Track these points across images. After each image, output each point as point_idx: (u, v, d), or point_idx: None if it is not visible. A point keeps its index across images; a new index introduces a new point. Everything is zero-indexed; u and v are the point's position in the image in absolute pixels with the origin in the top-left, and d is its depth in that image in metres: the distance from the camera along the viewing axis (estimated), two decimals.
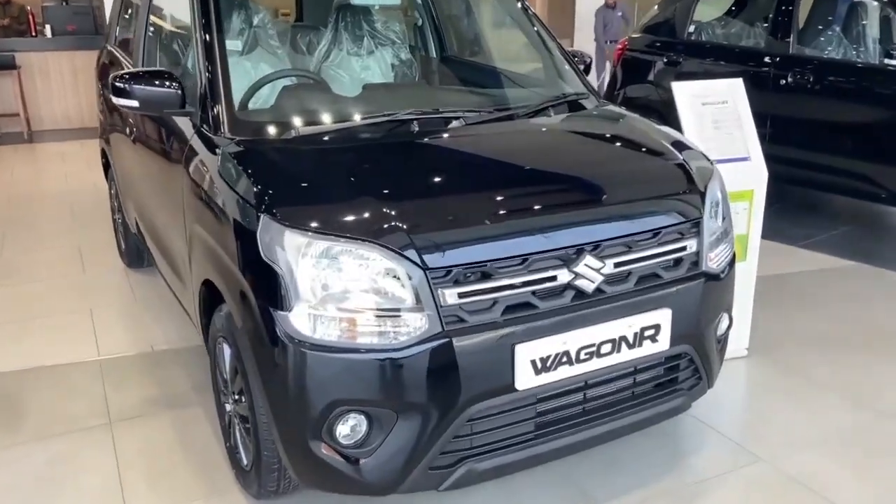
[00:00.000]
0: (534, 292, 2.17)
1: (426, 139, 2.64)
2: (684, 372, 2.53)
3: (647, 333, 2.32)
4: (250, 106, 2.84)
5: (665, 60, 5.85)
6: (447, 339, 2.04)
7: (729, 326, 2.73)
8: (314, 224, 2.06)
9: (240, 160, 2.39)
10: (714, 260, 2.53)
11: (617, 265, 2.28)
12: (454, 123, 2.67)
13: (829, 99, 5.11)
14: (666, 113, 5.53)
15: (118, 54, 4.27)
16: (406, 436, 2.09)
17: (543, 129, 2.86)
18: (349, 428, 2.08)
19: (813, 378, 3.33)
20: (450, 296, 2.05)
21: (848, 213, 5.87)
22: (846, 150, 5.07)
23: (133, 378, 3.33)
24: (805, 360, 3.49)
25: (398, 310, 2.03)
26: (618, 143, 2.85)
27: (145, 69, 2.88)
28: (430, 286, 2.03)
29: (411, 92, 3.24)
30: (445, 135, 2.66)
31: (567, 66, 3.26)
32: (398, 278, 2.03)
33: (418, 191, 2.27)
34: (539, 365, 2.15)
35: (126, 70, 2.91)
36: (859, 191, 5.17)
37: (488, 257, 2.11)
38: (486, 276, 2.10)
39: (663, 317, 2.34)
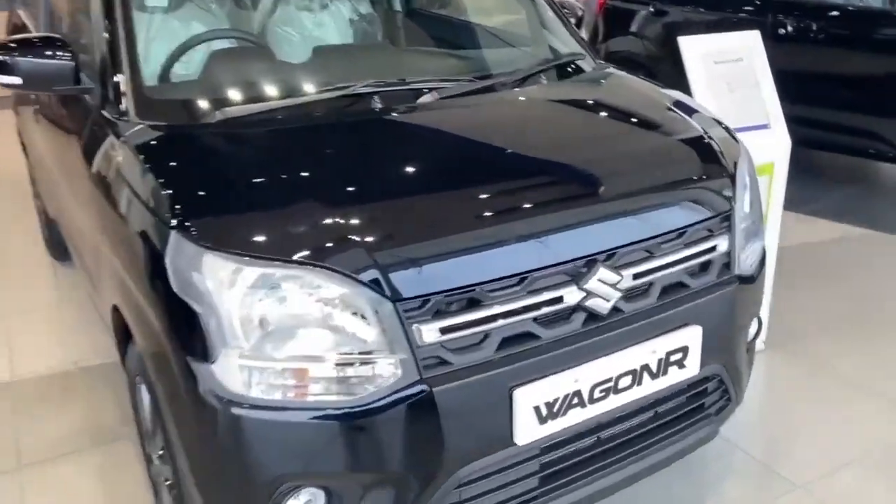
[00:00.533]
0: (535, 319, 1.69)
1: (390, 120, 2.09)
2: (712, 395, 2.08)
3: (673, 358, 1.86)
4: (173, 79, 2.29)
5: (651, 10, 5.32)
6: (426, 389, 1.56)
7: (759, 331, 2.28)
8: (244, 243, 1.55)
9: (147, 154, 1.84)
10: (747, 259, 2.07)
11: (636, 276, 1.81)
12: (425, 98, 2.13)
13: (834, 49, 4.64)
14: (654, 68, 5.06)
15: (26, 17, 3.63)
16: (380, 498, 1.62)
17: (537, 104, 2.32)
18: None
19: (842, 375, 2.92)
20: (428, 332, 1.56)
21: (849, 174, 5.45)
22: (852, 106, 4.63)
23: (52, 405, 2.80)
24: (830, 351, 3.08)
25: (360, 354, 1.54)
26: (628, 119, 2.32)
27: (28, 35, 2.28)
28: (401, 321, 1.54)
29: (372, 56, 2.66)
30: (415, 113, 2.11)
31: (556, 20, 2.73)
32: (359, 313, 1.54)
33: (383, 192, 1.74)
34: (544, 412, 1.68)
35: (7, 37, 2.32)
36: (865, 149, 4.75)
37: (477, 279, 1.61)
38: (474, 304, 1.61)
39: (692, 336, 1.88)
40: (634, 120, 2.29)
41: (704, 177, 2.03)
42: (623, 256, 1.79)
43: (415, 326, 1.55)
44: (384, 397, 1.54)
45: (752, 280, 2.08)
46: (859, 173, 5.46)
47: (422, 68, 2.47)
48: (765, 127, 2.80)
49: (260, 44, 2.59)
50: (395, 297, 1.53)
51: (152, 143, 1.89)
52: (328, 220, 1.59)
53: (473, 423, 1.63)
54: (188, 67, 2.37)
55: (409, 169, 1.87)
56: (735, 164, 2.11)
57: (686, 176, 2.02)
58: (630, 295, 1.81)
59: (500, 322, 1.64)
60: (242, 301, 1.51)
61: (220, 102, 2.02)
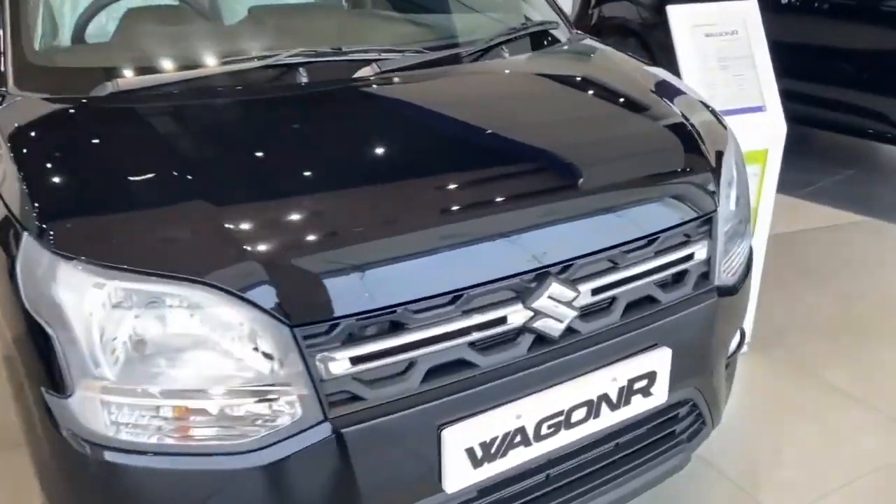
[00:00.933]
0: (472, 344, 1.41)
1: (312, 100, 1.77)
2: (684, 422, 1.82)
3: (637, 386, 1.60)
4: (79, 42, 1.98)
5: None
6: (332, 431, 1.29)
7: (741, 342, 2.02)
8: (111, 252, 1.26)
9: (12, 135, 1.53)
10: (730, 266, 1.80)
11: (596, 291, 1.53)
12: (363, 71, 1.82)
13: (838, 21, 4.33)
14: (647, 37, 4.73)
15: None
16: None
17: (491, 82, 1.99)
18: None
19: (832, 385, 2.67)
20: (335, 364, 1.28)
21: (849, 155, 5.16)
22: (854, 82, 4.34)
23: None
24: (820, 357, 2.82)
25: (252, 389, 1.27)
26: (595, 102, 2.01)
27: None
28: (301, 350, 1.26)
29: (314, 20, 2.30)
30: (344, 92, 1.79)
31: None
32: (249, 340, 1.26)
33: (287, 191, 1.43)
34: (479, 454, 1.41)
35: None
36: (865, 129, 4.47)
37: (399, 298, 1.33)
38: (395, 328, 1.34)
39: (661, 360, 1.61)
40: (602, 104, 1.98)
41: (682, 172, 1.74)
42: (581, 268, 1.51)
43: (319, 356, 1.27)
44: (280, 441, 1.28)
45: (734, 290, 1.81)
46: (857, 154, 5.17)
47: (367, 35, 2.14)
48: (759, 109, 2.51)
49: (190, 2, 2.26)
50: (294, 322, 1.25)
51: (22, 120, 1.58)
52: (216, 225, 1.30)
53: (393, 470, 1.37)
54: (100, 29, 2.06)
55: (323, 162, 1.54)
56: (720, 155, 1.83)
57: (659, 171, 1.72)
58: (588, 313, 1.54)
59: (428, 349, 1.36)
60: (105, 322, 1.23)
61: (112, 72, 1.69)
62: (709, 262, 1.72)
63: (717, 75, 2.48)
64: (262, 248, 1.28)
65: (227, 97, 1.71)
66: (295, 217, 1.38)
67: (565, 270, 1.48)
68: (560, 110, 1.88)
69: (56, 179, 1.41)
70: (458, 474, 1.40)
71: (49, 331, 1.24)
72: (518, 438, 1.46)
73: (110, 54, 1.86)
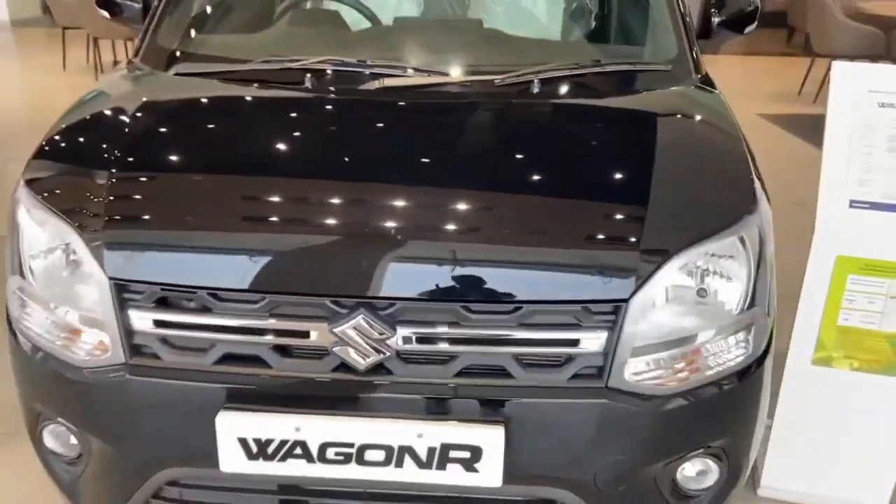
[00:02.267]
0: (276, 347, 1.50)
1: (303, 100, 1.98)
2: None
3: (454, 455, 1.48)
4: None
5: None
6: (124, 375, 1.53)
7: (721, 481, 1.66)
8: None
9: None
10: (656, 370, 1.50)
11: (422, 339, 1.47)
12: (371, 84, 1.93)
13: None
14: None
15: None
16: (102, 471, 1.66)
17: (467, 117, 1.94)
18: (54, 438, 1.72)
19: None
20: (141, 319, 1.51)
21: None
22: None
23: None
24: None
25: (83, 319, 1.57)
26: (554, 154, 1.77)
27: None
28: (114, 299, 1.52)
29: (426, 35, 2.40)
30: (332, 97, 1.95)
31: (668, 18, 2.17)
32: (89, 279, 1.55)
33: (167, 166, 1.70)
34: (255, 448, 1.50)
35: None
36: None
37: (204, 283, 1.49)
38: (202, 309, 1.51)
39: (487, 438, 1.46)
40: (560, 164, 1.74)
41: (590, 245, 1.51)
42: (405, 311, 1.46)
43: (130, 309, 1.51)
44: (93, 368, 1.56)
45: (653, 400, 1.51)
46: None
47: (467, 56, 2.19)
48: None
49: (358, 7, 2.56)
50: (113, 277, 1.51)
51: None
52: (102, 185, 1.62)
53: (177, 429, 1.55)
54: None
55: (222, 154, 1.74)
56: (680, 247, 1.51)
57: (557, 235, 1.52)
58: (411, 359, 1.48)
59: (227, 336, 1.50)
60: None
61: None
62: (605, 357, 1.48)
63: (882, 157, 1.91)
64: (112, 214, 1.56)
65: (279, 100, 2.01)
66: (152, 194, 1.64)
67: (385, 308, 1.46)
68: (514, 150, 1.75)
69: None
70: (231, 458, 1.51)
71: None
72: (299, 451, 1.50)
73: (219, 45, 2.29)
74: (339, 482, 1.54)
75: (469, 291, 1.46)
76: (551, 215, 1.59)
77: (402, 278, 1.48)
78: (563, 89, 1.99)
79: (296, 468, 1.52)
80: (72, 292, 1.57)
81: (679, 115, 1.93)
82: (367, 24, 2.53)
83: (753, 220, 1.60)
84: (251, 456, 1.51)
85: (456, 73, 2.00)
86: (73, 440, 1.68)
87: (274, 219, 1.61)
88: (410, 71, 1.96)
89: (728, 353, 1.57)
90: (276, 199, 1.64)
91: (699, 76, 2.10)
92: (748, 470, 1.77)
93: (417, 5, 2.78)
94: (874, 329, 1.99)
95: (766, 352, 1.63)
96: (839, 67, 1.98)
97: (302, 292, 1.47)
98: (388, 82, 1.93)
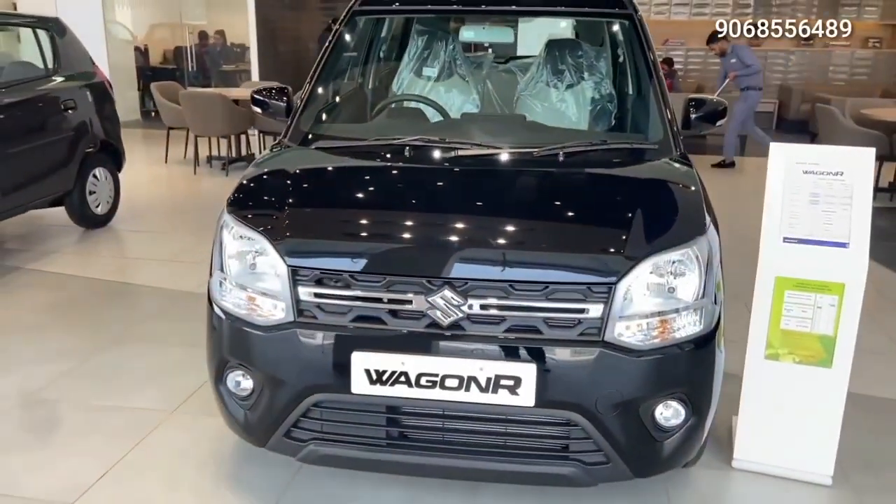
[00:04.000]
0: (390, 311, 2.35)
1: (395, 166, 2.91)
2: (577, 442, 2.37)
3: (503, 383, 2.29)
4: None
5: None
6: (293, 329, 2.38)
7: (687, 422, 2.42)
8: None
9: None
10: (636, 332, 2.31)
11: (484, 307, 2.31)
12: (446, 153, 2.88)
13: None
14: None
15: None
16: (267, 400, 2.49)
17: (515, 173, 2.87)
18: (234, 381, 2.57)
19: None
20: (306, 292, 2.39)
21: None
22: None
23: None
24: None
25: (265, 294, 2.44)
26: (571, 195, 2.71)
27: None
28: (290, 279, 2.39)
29: (481, 124, 3.41)
30: (424, 165, 2.88)
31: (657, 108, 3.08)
32: (273, 270, 2.44)
33: (320, 201, 2.69)
34: (374, 376, 2.33)
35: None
36: None
37: (350, 268, 2.37)
38: (344, 285, 2.37)
39: (525, 371, 2.27)
40: (574, 196, 2.67)
41: (593, 250, 2.37)
42: (474, 288, 2.30)
43: (300, 287, 2.39)
44: (272, 326, 2.42)
45: (639, 353, 2.30)
46: None
47: (513, 138, 3.12)
48: (842, 245, 2.68)
49: (435, 107, 3.55)
50: (291, 264, 2.40)
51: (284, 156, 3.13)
52: (282, 211, 2.54)
53: (323, 365, 2.38)
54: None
55: (354, 193, 2.73)
56: (646, 252, 2.33)
57: (567, 243, 2.40)
58: (476, 320, 2.31)
59: (358, 303, 2.36)
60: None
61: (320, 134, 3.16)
62: (602, 320, 2.29)
63: (804, 208, 2.72)
64: (292, 225, 2.47)
65: (361, 157, 2.97)
66: (316, 218, 2.57)
67: (461, 285, 2.31)
68: (529, 195, 2.72)
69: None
70: (359, 383, 2.34)
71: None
72: (402, 379, 2.32)
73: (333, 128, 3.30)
74: (428, 402, 2.35)
75: (514, 276, 2.31)
76: (568, 233, 2.47)
77: (472, 267, 2.34)
78: (581, 159, 2.89)
79: (400, 391, 2.33)
80: (259, 278, 2.45)
81: (656, 177, 2.81)
82: (439, 118, 3.51)
83: (703, 241, 2.43)
84: (372, 382, 2.34)
85: (505, 146, 2.93)
86: (249, 381, 2.53)
87: (388, 232, 2.52)
88: (474, 146, 2.90)
89: (686, 327, 2.37)
90: (390, 220, 2.56)
91: (678, 153, 2.97)
92: (709, 421, 2.52)
93: (476, 106, 3.76)
94: (807, 331, 2.76)
95: (714, 329, 2.42)
96: (774, 147, 2.83)
97: (408, 274, 2.34)
98: (461, 153, 2.86)
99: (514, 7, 3.73)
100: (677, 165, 2.88)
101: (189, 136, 9.04)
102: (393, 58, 4.18)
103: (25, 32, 6.40)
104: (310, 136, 3.15)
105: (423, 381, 2.32)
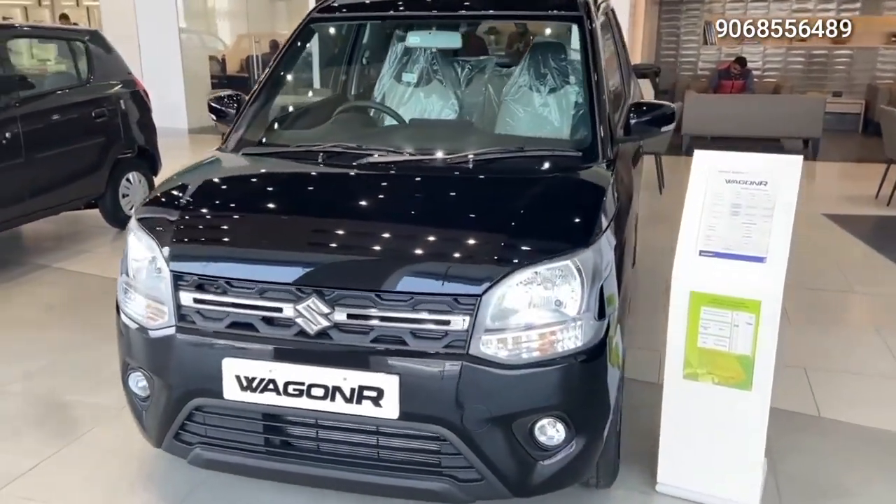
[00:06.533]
0: (263, 318, 2.36)
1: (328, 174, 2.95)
2: (449, 458, 2.30)
3: (366, 394, 2.26)
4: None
5: None
6: (173, 333, 2.42)
7: (570, 441, 2.32)
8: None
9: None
10: (505, 346, 2.23)
11: (351, 317, 2.28)
12: (368, 159, 2.85)
13: None
14: None
15: None
16: (157, 402, 2.54)
17: (414, 181, 2.81)
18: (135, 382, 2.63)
19: None
20: (185, 297, 2.42)
21: None
22: None
23: None
24: None
25: (155, 299, 2.49)
26: (458, 205, 2.64)
27: None
28: (174, 285, 2.43)
29: (419, 130, 3.38)
30: (346, 171, 2.89)
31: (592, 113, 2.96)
32: (160, 272, 2.49)
33: (210, 209, 2.70)
34: (244, 383, 2.35)
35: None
36: None
37: (223, 274, 2.39)
38: (220, 291, 2.39)
39: (388, 383, 2.23)
40: (454, 205, 2.61)
41: (462, 260, 2.29)
42: (342, 297, 2.27)
43: (181, 292, 2.43)
44: (154, 329, 2.47)
45: (504, 366, 2.22)
46: None
47: (437, 144, 3.07)
48: (758, 260, 2.49)
49: (383, 111, 3.53)
50: (174, 269, 2.44)
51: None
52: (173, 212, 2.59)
53: (199, 370, 2.41)
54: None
55: (261, 205, 2.74)
56: (521, 263, 2.25)
57: (437, 254, 2.33)
58: (344, 329, 2.29)
59: (233, 310, 2.37)
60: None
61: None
62: (467, 333, 2.22)
63: (723, 219, 2.55)
64: (181, 229, 2.51)
65: (294, 168, 2.99)
66: (209, 222, 2.60)
67: (330, 294, 2.28)
68: (430, 201, 2.65)
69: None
70: (231, 389, 2.36)
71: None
72: (271, 386, 2.32)
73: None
74: (298, 411, 2.34)
75: (381, 285, 2.27)
76: (440, 243, 2.40)
77: (339, 276, 2.32)
78: (496, 167, 2.81)
79: (269, 398, 2.34)
80: (151, 283, 2.51)
81: (560, 185, 2.69)
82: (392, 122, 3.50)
83: (587, 253, 2.31)
84: (242, 388, 2.35)
85: (427, 154, 2.90)
86: (145, 382, 2.59)
87: (264, 239, 2.51)
88: (390, 153, 2.87)
89: (563, 342, 2.26)
90: (267, 227, 2.56)
91: (605, 161, 2.85)
92: (600, 441, 2.41)
93: (454, 111, 3.73)
94: (726, 351, 2.59)
95: (601, 345, 2.31)
96: (698, 154, 2.68)
97: (279, 282, 2.34)
98: (372, 160, 2.84)
99: (473, 12, 3.67)
100: (593, 176, 2.76)
101: None
102: (350, 63, 4.18)
103: (62, 45, 6.75)
104: (242, 142, 3.19)
105: (290, 389, 2.31)
